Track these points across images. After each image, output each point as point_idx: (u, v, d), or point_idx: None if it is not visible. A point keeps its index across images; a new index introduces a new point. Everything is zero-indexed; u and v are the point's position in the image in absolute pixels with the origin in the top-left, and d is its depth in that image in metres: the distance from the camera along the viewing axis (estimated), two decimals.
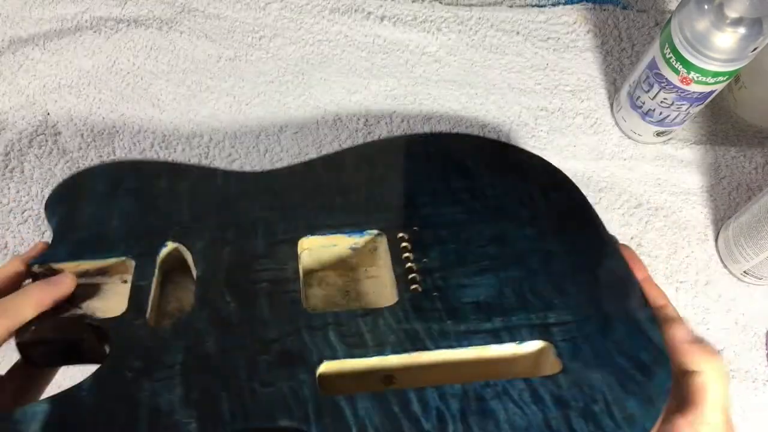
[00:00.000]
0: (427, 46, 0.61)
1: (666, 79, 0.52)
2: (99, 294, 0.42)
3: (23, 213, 0.57)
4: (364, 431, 0.37)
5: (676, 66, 0.51)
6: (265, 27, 0.62)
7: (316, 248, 0.45)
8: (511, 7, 0.63)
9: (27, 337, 0.39)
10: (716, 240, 0.55)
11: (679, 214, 0.56)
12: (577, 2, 0.63)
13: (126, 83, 0.60)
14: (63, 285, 0.41)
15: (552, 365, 0.41)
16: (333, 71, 0.61)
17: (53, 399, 0.38)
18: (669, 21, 0.51)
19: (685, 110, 0.54)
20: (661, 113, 0.55)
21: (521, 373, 0.41)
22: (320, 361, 0.40)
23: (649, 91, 0.54)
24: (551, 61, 0.61)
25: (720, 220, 0.55)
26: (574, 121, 0.59)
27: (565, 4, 0.63)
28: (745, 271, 0.52)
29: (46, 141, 0.58)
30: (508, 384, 0.39)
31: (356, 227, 0.45)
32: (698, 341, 0.37)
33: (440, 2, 0.63)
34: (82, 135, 0.59)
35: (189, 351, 0.40)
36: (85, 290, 0.42)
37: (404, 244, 0.44)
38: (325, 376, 0.40)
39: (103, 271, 0.43)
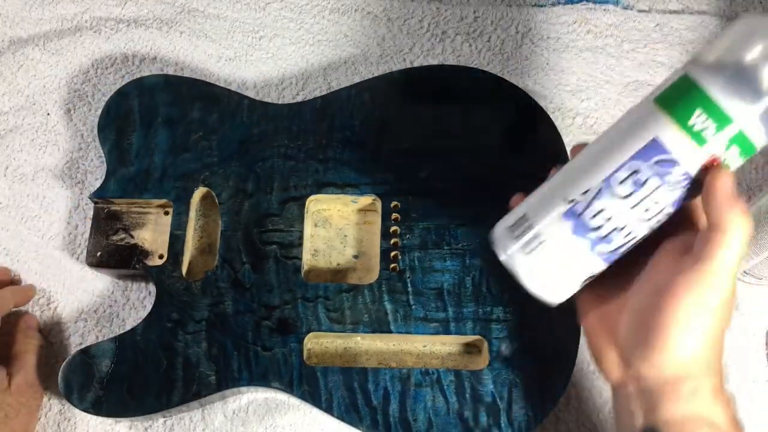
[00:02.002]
0: (428, 46, 0.61)
1: (676, 163, 0.33)
2: (146, 225, 0.52)
3: (23, 213, 0.57)
4: (331, 400, 0.46)
5: (705, 134, 0.33)
6: (265, 27, 0.62)
7: (324, 199, 0.52)
8: (510, 6, 0.62)
9: (94, 260, 0.51)
10: None
11: None
12: (577, 2, 0.63)
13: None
14: (27, 294, 0.53)
15: (483, 358, 0.48)
16: (333, 71, 0.61)
17: (117, 339, 0.47)
18: (684, 76, 0.34)
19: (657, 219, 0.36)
20: (628, 236, 0.36)
21: (455, 359, 0.49)
22: (308, 332, 0.48)
23: (630, 195, 0.35)
24: (551, 61, 0.61)
25: None
26: (574, 121, 0.59)
27: (565, 3, 0.63)
28: (745, 271, 0.52)
29: (47, 141, 0.59)
30: (442, 373, 0.47)
31: (357, 189, 0.51)
32: (735, 198, 0.33)
33: (440, 1, 0.63)
34: (82, 135, 0.59)
35: (212, 309, 0.48)
36: (135, 221, 0.52)
37: (395, 214, 0.50)
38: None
39: (148, 205, 0.52)
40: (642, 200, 0.34)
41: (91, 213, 0.53)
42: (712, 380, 0.34)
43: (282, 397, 0.51)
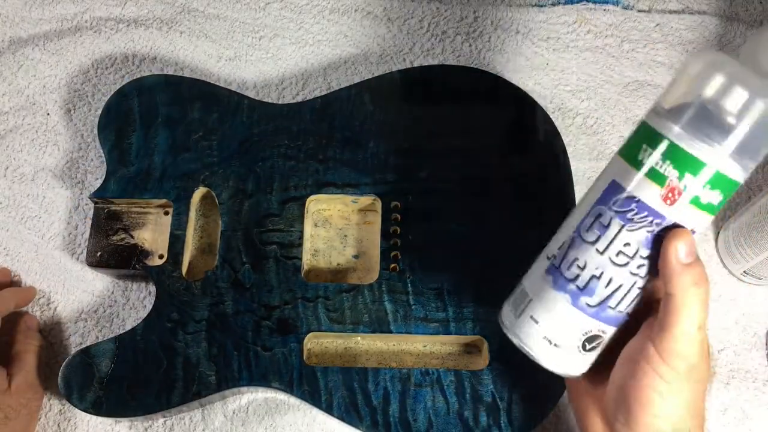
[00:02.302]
0: (428, 46, 0.61)
1: (641, 203, 0.33)
2: (146, 225, 0.52)
3: (22, 213, 0.57)
4: (331, 400, 0.46)
5: (665, 169, 0.33)
6: (265, 27, 0.62)
7: (324, 199, 0.52)
8: (510, 6, 0.62)
9: (94, 260, 0.51)
10: (716, 240, 0.55)
11: None
12: (577, 2, 0.63)
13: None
14: (28, 295, 0.53)
15: (483, 358, 0.48)
16: (333, 71, 0.61)
17: (117, 339, 0.47)
18: (642, 124, 0.35)
19: (644, 277, 0.34)
20: (609, 284, 0.35)
21: (455, 359, 0.49)
22: (308, 332, 0.47)
23: (598, 239, 0.34)
24: (551, 61, 0.61)
25: (720, 220, 0.55)
26: (574, 121, 0.59)
27: (565, 3, 0.63)
28: (745, 271, 0.52)
29: (47, 141, 0.58)
30: (442, 374, 0.47)
31: (357, 189, 0.51)
32: (686, 264, 0.33)
33: (440, 1, 0.63)
34: (82, 135, 0.59)
35: (212, 309, 0.48)
36: (135, 221, 0.52)
37: (395, 215, 0.50)
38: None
39: (148, 205, 0.52)
40: (610, 243, 0.34)
41: (91, 213, 0.53)
42: None
43: (282, 397, 0.51)
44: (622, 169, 0.34)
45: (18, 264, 0.55)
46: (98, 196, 0.51)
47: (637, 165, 0.33)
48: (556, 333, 0.36)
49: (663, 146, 0.33)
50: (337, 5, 0.63)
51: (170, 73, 0.60)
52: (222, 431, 0.50)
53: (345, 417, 0.46)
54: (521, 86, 0.55)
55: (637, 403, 0.34)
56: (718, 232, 0.55)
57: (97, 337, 0.53)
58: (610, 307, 0.35)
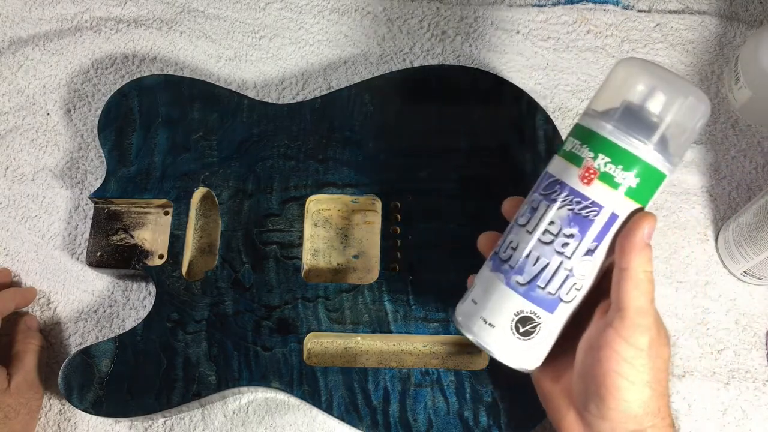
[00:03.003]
0: (428, 46, 0.61)
1: (563, 183, 0.37)
2: (146, 225, 0.52)
3: (22, 213, 0.57)
4: (331, 400, 0.46)
5: (583, 153, 0.36)
6: (265, 27, 0.62)
7: (324, 199, 0.52)
8: (511, 6, 0.62)
9: (94, 260, 0.51)
10: (716, 240, 0.55)
11: (679, 214, 0.56)
12: (577, 2, 0.63)
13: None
14: (28, 296, 0.53)
15: (483, 358, 0.48)
16: (333, 71, 0.61)
17: (117, 339, 0.47)
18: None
19: (574, 258, 0.36)
20: (537, 262, 0.37)
21: (454, 359, 0.49)
22: (308, 332, 0.47)
23: (528, 221, 0.38)
24: (551, 61, 0.61)
25: (720, 220, 0.55)
26: (574, 121, 0.59)
27: (565, 3, 0.63)
28: (745, 271, 0.52)
29: (47, 141, 0.58)
30: (442, 374, 0.47)
31: (357, 189, 0.51)
32: (648, 246, 0.35)
33: (440, 1, 0.63)
34: (82, 135, 0.59)
35: (212, 309, 0.48)
36: (135, 221, 0.52)
37: (395, 214, 0.50)
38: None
39: (148, 205, 0.52)
40: (538, 223, 0.37)
41: (91, 213, 0.53)
42: (667, 430, 0.36)
43: (282, 397, 0.51)
44: (555, 162, 0.38)
45: (18, 264, 0.55)
46: (98, 196, 0.51)
47: (567, 156, 0.37)
48: (490, 312, 0.38)
49: (590, 138, 0.36)
50: (337, 5, 0.63)
51: (170, 73, 0.60)
52: (222, 431, 0.50)
53: (345, 417, 0.46)
54: (521, 86, 0.55)
55: (606, 391, 0.35)
56: (718, 232, 0.55)
57: (97, 337, 0.53)
58: (539, 286, 0.37)
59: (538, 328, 0.37)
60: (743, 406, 0.50)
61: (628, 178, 0.35)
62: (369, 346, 0.50)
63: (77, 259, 0.55)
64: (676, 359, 0.52)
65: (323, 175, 0.51)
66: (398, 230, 0.50)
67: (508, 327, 0.37)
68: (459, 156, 0.51)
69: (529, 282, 0.37)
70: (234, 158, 0.51)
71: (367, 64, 0.61)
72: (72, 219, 0.56)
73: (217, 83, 0.56)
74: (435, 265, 0.49)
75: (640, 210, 0.36)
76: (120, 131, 0.52)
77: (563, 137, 0.52)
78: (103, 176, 0.52)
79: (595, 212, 0.36)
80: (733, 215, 0.53)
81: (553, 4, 0.63)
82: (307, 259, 0.52)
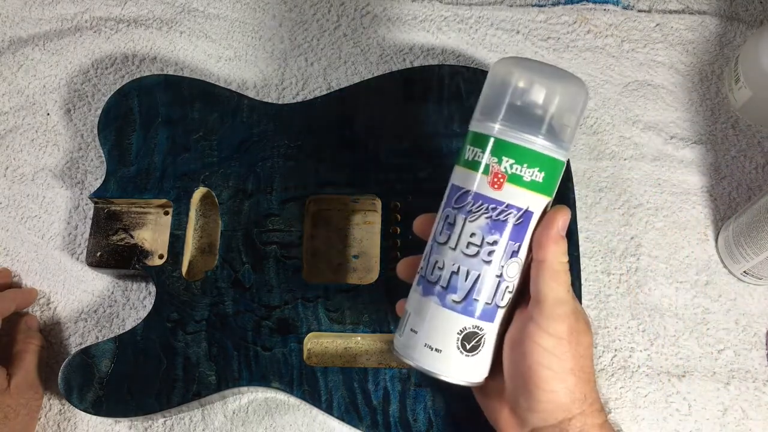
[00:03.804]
0: (428, 46, 0.61)
1: (475, 194, 0.37)
2: (146, 225, 0.52)
3: (22, 213, 0.57)
4: (331, 400, 0.46)
5: (488, 159, 0.36)
6: (265, 27, 0.62)
7: (324, 199, 0.52)
8: (511, 6, 0.62)
9: (94, 260, 0.51)
10: (716, 240, 0.55)
11: (679, 214, 0.56)
12: (577, 2, 0.63)
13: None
14: (29, 297, 0.53)
15: None
16: (333, 71, 0.61)
17: (117, 339, 0.47)
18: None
19: (498, 265, 0.37)
20: (468, 277, 0.37)
21: None
22: (308, 332, 0.47)
23: (448, 238, 0.37)
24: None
25: (720, 220, 0.55)
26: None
27: (565, 3, 0.63)
28: (745, 271, 0.52)
29: (47, 141, 0.58)
30: None
31: (357, 189, 0.51)
32: (563, 238, 0.37)
33: (440, 1, 0.63)
34: (82, 135, 0.59)
35: (212, 309, 0.48)
36: (135, 221, 0.52)
37: (395, 214, 0.50)
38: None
39: (148, 205, 0.52)
40: (459, 237, 0.37)
41: (91, 213, 0.53)
42: (596, 418, 0.37)
43: (282, 397, 0.51)
44: (458, 173, 0.38)
45: (18, 264, 0.55)
46: (98, 196, 0.51)
47: (467, 164, 0.37)
48: (433, 337, 0.37)
49: (486, 142, 0.37)
50: (338, 5, 0.63)
51: (170, 73, 0.60)
52: (222, 431, 0.50)
53: (345, 417, 0.46)
54: None
55: (532, 384, 0.36)
56: (718, 232, 0.55)
57: (97, 337, 0.53)
58: (476, 300, 0.37)
59: (483, 340, 0.37)
60: (743, 406, 0.50)
61: (534, 174, 0.36)
62: (369, 346, 0.50)
63: (77, 259, 0.55)
64: (677, 359, 0.52)
65: (323, 175, 0.51)
66: (398, 230, 0.50)
67: (454, 347, 0.37)
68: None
69: (464, 298, 0.37)
70: (234, 158, 0.51)
71: (367, 64, 0.61)
72: (72, 219, 0.56)
73: (217, 83, 0.56)
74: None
75: (550, 202, 0.38)
76: (120, 131, 0.52)
77: None
78: (103, 176, 0.52)
79: (512, 214, 0.36)
80: (733, 215, 0.53)
81: (553, 4, 0.63)
82: (307, 259, 0.52)
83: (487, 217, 0.36)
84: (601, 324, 0.53)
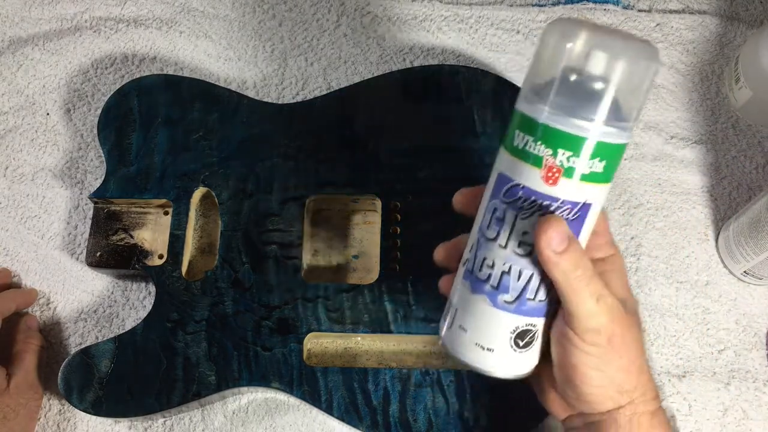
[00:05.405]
0: (428, 46, 0.61)
1: (526, 188, 0.32)
2: (146, 225, 0.52)
3: (22, 213, 0.57)
4: (331, 400, 0.46)
5: (539, 150, 0.31)
6: (265, 27, 0.62)
7: (324, 199, 0.52)
8: (511, 6, 0.62)
9: (94, 260, 0.51)
10: (716, 240, 0.55)
11: (679, 214, 0.56)
12: (577, 2, 0.63)
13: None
14: (30, 297, 0.53)
15: None
16: (333, 71, 0.60)
17: (117, 339, 0.47)
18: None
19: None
20: (520, 277, 0.34)
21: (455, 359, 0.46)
22: (308, 332, 0.47)
23: (497, 235, 0.34)
24: None
25: (720, 220, 0.55)
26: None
27: (565, 3, 0.63)
28: (745, 271, 0.52)
29: (46, 141, 0.58)
30: (442, 374, 0.46)
31: (357, 189, 0.51)
32: (564, 251, 0.32)
33: (440, 1, 0.63)
34: (81, 135, 0.59)
35: (212, 309, 0.48)
36: (135, 221, 0.52)
37: (395, 214, 0.50)
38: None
39: (148, 205, 0.52)
40: (509, 235, 0.33)
41: (90, 213, 0.53)
42: (648, 405, 0.36)
43: (282, 397, 0.51)
44: (505, 161, 0.33)
45: (18, 264, 0.55)
46: (98, 196, 0.51)
47: (517, 153, 0.32)
48: (484, 337, 0.35)
49: (536, 129, 0.31)
50: (338, 5, 0.63)
51: (170, 73, 0.60)
52: (222, 431, 0.50)
53: (345, 417, 0.46)
54: (521, 86, 0.55)
55: (578, 380, 0.35)
56: (719, 232, 0.55)
57: (97, 337, 0.53)
58: (528, 299, 0.34)
59: (535, 335, 0.36)
60: (743, 407, 0.50)
61: (594, 165, 0.31)
62: (369, 346, 0.50)
63: (77, 259, 0.55)
64: (677, 359, 0.52)
65: (323, 175, 0.51)
66: (398, 230, 0.50)
67: (507, 346, 0.35)
68: (459, 156, 0.51)
69: (517, 298, 0.34)
70: (234, 158, 0.51)
71: (367, 64, 0.61)
72: (72, 219, 0.56)
73: (217, 83, 0.56)
74: (435, 265, 0.49)
75: (609, 187, 0.33)
76: (120, 131, 0.52)
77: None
78: (103, 176, 0.52)
79: (568, 209, 0.32)
80: (734, 215, 0.53)
81: (553, 4, 0.63)
82: (307, 259, 0.52)
83: (541, 215, 0.32)
84: None
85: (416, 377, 0.46)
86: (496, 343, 0.35)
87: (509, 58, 0.61)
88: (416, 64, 0.61)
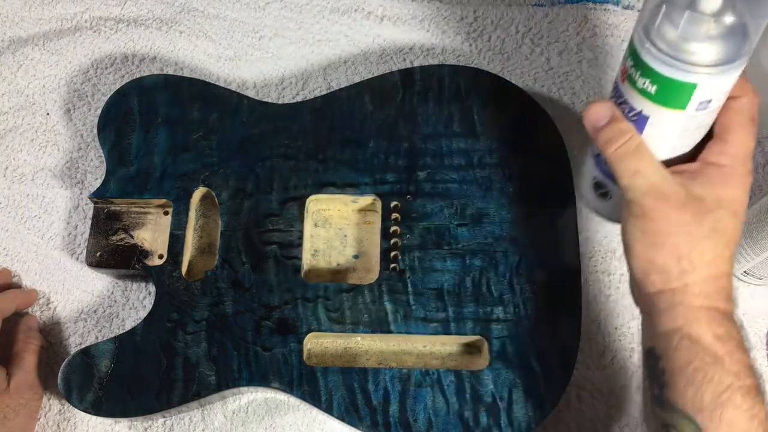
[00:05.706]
0: (428, 45, 0.61)
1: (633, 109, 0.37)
2: (146, 225, 0.52)
3: (22, 213, 0.57)
4: (331, 400, 0.46)
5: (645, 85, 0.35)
6: (265, 27, 0.62)
7: (324, 199, 0.52)
8: (511, 6, 0.62)
9: (94, 260, 0.51)
10: None
11: None
12: (577, 2, 0.63)
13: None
14: (30, 298, 0.53)
15: (483, 358, 0.48)
16: (333, 71, 0.61)
17: (117, 339, 0.47)
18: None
19: None
20: None
21: (455, 359, 0.49)
22: (308, 332, 0.47)
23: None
24: (551, 61, 0.61)
25: None
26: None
27: (565, 3, 0.63)
28: (745, 271, 0.52)
29: (46, 141, 0.58)
30: (442, 374, 0.47)
31: (357, 189, 0.51)
32: (604, 126, 0.36)
33: (440, 1, 0.63)
34: (81, 135, 0.59)
35: (212, 309, 0.48)
36: (135, 221, 0.52)
37: (395, 215, 0.50)
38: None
39: (147, 205, 0.52)
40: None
41: (90, 213, 0.53)
42: (699, 300, 0.35)
43: (282, 397, 0.51)
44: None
45: (18, 264, 0.55)
46: (98, 196, 0.51)
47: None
48: (583, 183, 0.42)
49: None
50: (337, 5, 0.63)
51: (170, 73, 0.60)
52: (222, 431, 0.50)
53: (345, 417, 0.46)
54: (521, 86, 0.55)
55: (625, 248, 0.37)
56: None
57: (97, 337, 0.53)
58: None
59: (609, 191, 0.40)
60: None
61: (646, 84, 0.35)
62: (369, 346, 0.50)
63: (77, 259, 0.55)
64: None
65: (323, 175, 0.51)
66: (398, 230, 0.50)
67: (591, 190, 0.42)
68: (459, 156, 0.51)
69: (598, 154, 0.39)
70: (234, 158, 0.51)
71: (367, 64, 0.61)
72: (72, 219, 0.56)
73: (217, 83, 0.56)
74: (435, 265, 0.49)
75: (676, 113, 0.35)
76: (120, 131, 0.52)
77: (563, 137, 0.52)
78: (103, 176, 0.52)
79: (626, 109, 0.36)
80: None
81: (553, 4, 0.63)
82: (307, 259, 0.52)
83: (618, 103, 0.37)
84: (601, 324, 0.53)
85: (416, 377, 0.46)
86: (584, 187, 0.42)
87: (508, 58, 0.61)
88: (416, 64, 0.61)
